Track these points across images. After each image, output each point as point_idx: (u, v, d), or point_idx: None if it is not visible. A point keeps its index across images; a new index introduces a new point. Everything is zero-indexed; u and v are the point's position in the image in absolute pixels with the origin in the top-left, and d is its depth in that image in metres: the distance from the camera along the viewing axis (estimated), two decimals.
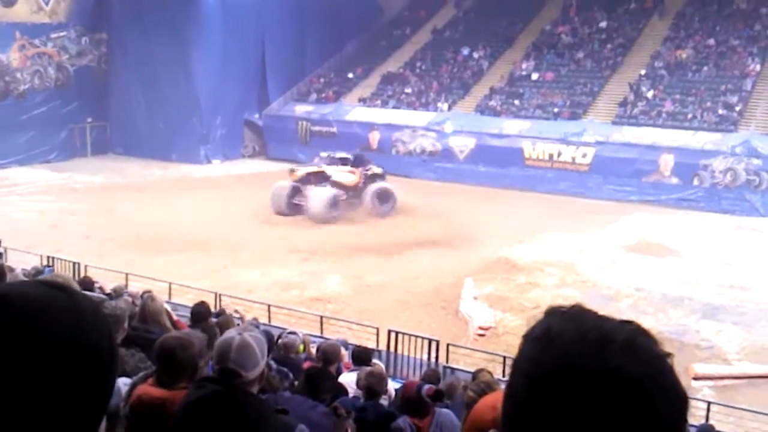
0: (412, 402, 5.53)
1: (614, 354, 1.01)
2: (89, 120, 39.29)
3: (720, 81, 33.91)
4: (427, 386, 5.74)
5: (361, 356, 8.53)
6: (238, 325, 7.58)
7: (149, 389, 3.83)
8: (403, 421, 5.40)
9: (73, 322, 1.04)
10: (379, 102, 38.77)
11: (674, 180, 30.86)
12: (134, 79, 38.96)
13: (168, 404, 3.53)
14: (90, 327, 1.06)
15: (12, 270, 6.12)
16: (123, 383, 4.08)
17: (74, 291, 1.10)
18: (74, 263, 17.18)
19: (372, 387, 5.84)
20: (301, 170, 28.36)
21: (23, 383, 0.97)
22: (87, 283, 10.64)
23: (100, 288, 11.51)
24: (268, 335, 8.62)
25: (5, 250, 15.33)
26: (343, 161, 28.78)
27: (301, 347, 9.10)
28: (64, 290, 1.09)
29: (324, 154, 29.37)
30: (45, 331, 1.01)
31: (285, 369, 7.22)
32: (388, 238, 24.44)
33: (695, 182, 30.50)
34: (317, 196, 26.94)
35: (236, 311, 11.68)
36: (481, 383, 6.23)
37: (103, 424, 1.10)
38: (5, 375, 0.96)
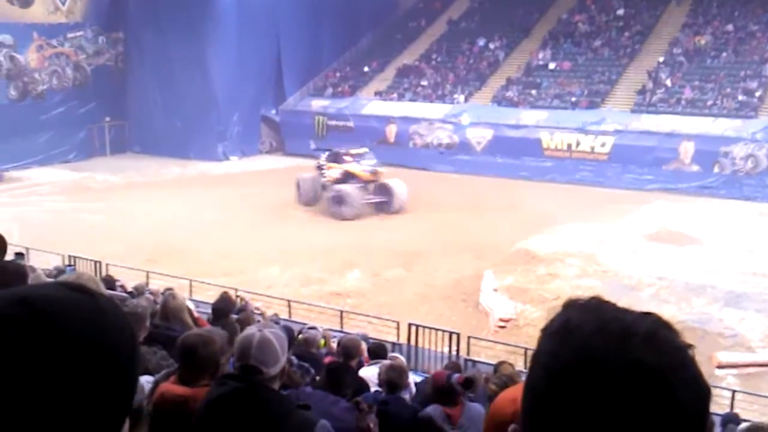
0: (443, 391, 5.52)
1: (635, 346, 1.00)
2: (107, 119, 39.56)
3: (739, 67, 33.61)
4: (456, 375, 5.74)
5: (377, 351, 8.54)
6: (259, 321, 7.61)
7: (172, 387, 3.85)
8: (433, 408, 5.39)
9: (95, 323, 1.05)
10: (395, 95, 38.69)
11: (695, 167, 30.61)
12: (151, 77, 39.19)
13: (190, 402, 3.55)
14: (111, 327, 1.07)
15: (34, 270, 6.16)
16: (146, 381, 4.11)
17: (95, 292, 1.11)
18: (96, 262, 17.28)
19: (393, 380, 5.84)
20: (376, 168, 28.15)
21: (46, 385, 0.97)
22: (109, 282, 10.75)
23: (122, 286, 11.62)
24: (289, 331, 8.65)
25: (27, 251, 15.43)
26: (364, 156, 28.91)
27: (322, 342, 9.11)
28: (85, 292, 1.09)
29: (356, 150, 29.11)
30: (66, 333, 1.01)
31: (306, 364, 7.23)
32: (404, 232, 24.44)
33: (716, 169, 30.24)
34: (402, 189, 27.46)
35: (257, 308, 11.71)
36: (504, 376, 6.23)
37: (127, 423, 1.11)
38: (28, 377, 0.97)
